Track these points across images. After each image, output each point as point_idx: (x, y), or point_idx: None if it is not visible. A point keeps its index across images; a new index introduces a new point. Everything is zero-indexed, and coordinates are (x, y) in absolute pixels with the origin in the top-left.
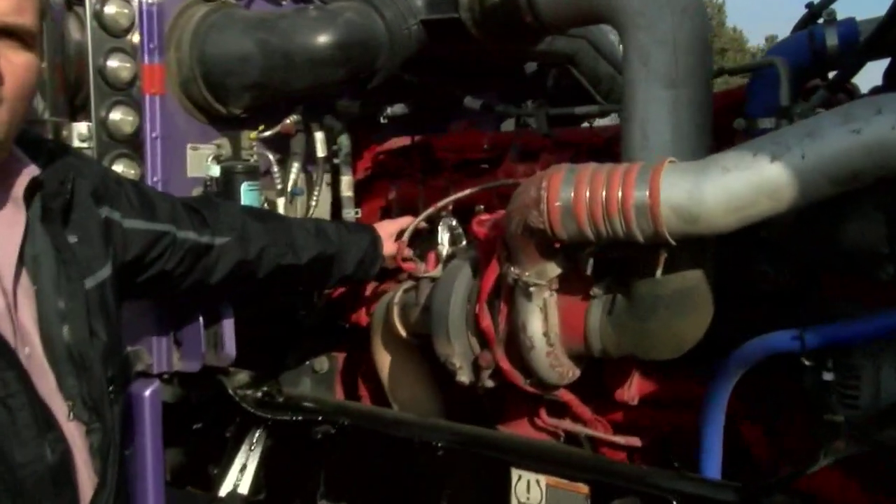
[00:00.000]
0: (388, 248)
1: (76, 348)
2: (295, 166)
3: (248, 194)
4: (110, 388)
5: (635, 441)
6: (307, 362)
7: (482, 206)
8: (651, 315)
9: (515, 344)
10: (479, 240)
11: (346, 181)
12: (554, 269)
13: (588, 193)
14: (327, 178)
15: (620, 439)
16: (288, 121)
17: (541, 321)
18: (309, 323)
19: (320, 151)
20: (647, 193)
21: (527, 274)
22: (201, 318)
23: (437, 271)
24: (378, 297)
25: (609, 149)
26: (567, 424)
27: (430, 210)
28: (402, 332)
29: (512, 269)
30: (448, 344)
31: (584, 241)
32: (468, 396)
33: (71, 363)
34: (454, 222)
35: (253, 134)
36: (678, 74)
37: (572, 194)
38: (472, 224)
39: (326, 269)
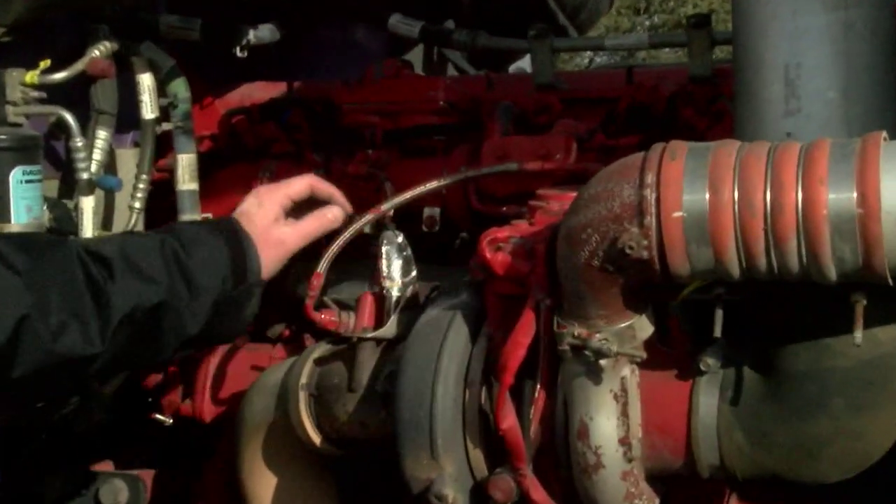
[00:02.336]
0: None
1: None
2: (102, 137)
3: (22, 191)
4: None
5: None
6: (84, 493)
7: (435, 210)
8: (819, 408)
9: (563, 459)
10: (490, 273)
11: (186, 162)
12: (646, 328)
13: (737, 196)
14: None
15: None
16: (96, 52)
17: (615, 418)
18: (85, 426)
19: (147, 109)
20: (855, 196)
21: (599, 336)
22: None
23: (386, 328)
24: (247, 373)
25: (671, 108)
26: None
27: (365, 220)
28: (315, 438)
29: (571, 327)
30: (431, 462)
31: (720, 278)
32: None
33: None
34: (402, 238)
35: (30, 75)
36: None
37: (707, 197)
38: (481, 245)
39: (142, 342)
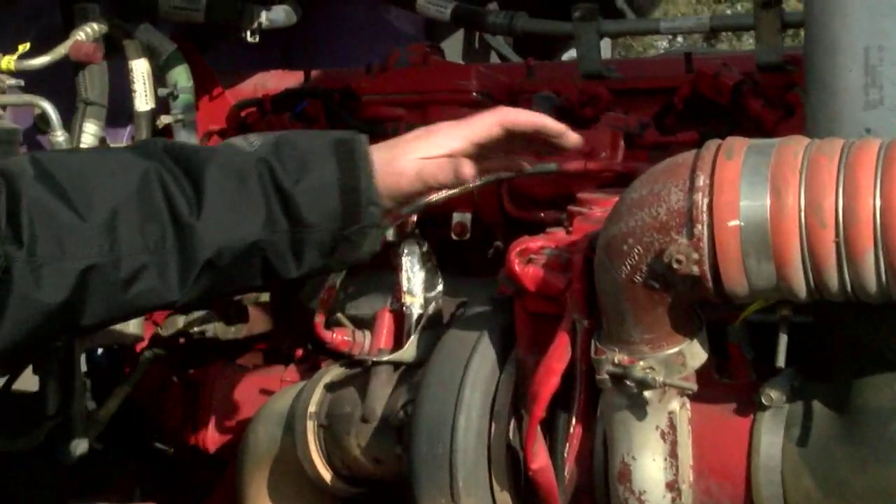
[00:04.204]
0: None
1: None
2: (90, 130)
3: None
4: None
5: None
6: None
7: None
8: None
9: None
10: (520, 289)
11: None
12: (698, 355)
13: (804, 201)
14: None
15: None
16: (81, 34)
17: (662, 459)
18: (73, 456)
19: (142, 100)
20: None
21: (642, 364)
22: None
23: (405, 350)
24: (256, 398)
25: (735, 100)
26: None
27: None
28: (324, 474)
29: (611, 353)
30: None
31: (784, 297)
32: None
33: None
34: (426, 248)
35: (7, 60)
36: None
37: (768, 203)
38: (510, 257)
39: (230, 283)
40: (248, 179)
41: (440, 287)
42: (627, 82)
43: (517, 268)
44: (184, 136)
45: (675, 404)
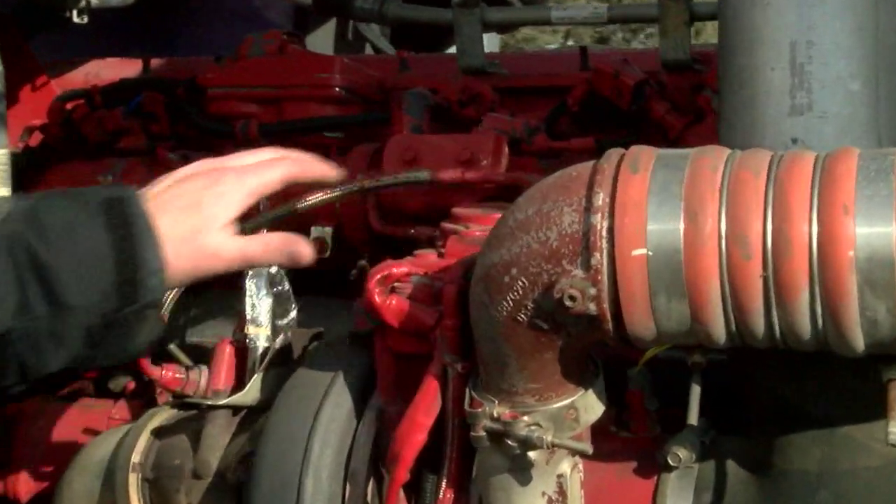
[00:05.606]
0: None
1: None
2: None
3: None
4: None
5: None
6: None
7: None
8: None
9: None
10: (381, 324)
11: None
12: (593, 407)
13: (725, 227)
14: None
15: None
16: None
17: None
18: None
19: None
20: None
21: (527, 420)
22: None
23: (246, 391)
24: (78, 439)
25: (637, 102)
26: None
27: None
28: None
29: (489, 405)
30: None
31: (698, 342)
32: None
33: None
34: (274, 269)
35: None
36: None
37: (682, 228)
38: (369, 286)
39: None
40: None
41: (293, 314)
42: (514, 80)
43: (377, 298)
44: None
45: (565, 466)
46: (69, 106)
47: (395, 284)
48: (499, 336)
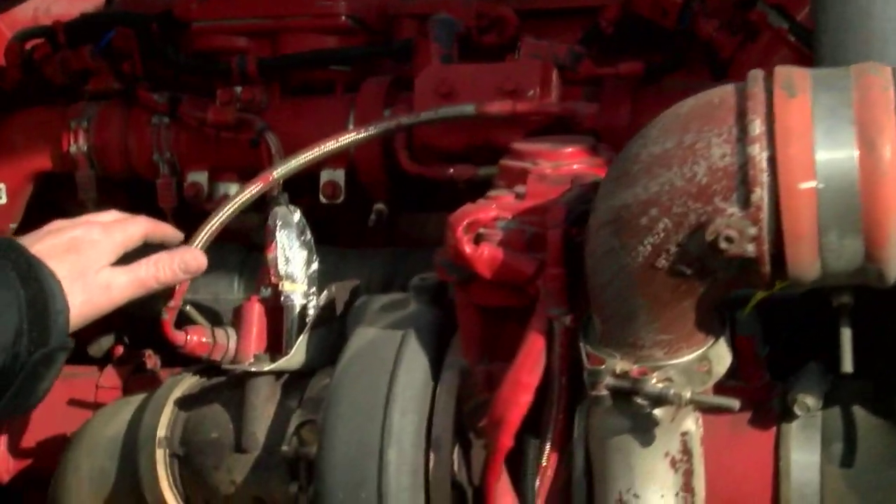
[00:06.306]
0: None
1: None
2: None
3: None
4: None
5: None
6: None
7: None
8: None
9: None
10: (469, 275)
11: None
12: (724, 358)
13: None
14: None
15: None
16: None
17: (674, 492)
18: None
19: None
20: None
21: (658, 375)
22: None
23: (292, 355)
24: (63, 413)
25: (683, 21)
26: None
27: (249, 192)
28: None
29: (612, 361)
30: None
31: (865, 282)
32: None
33: None
34: (298, 217)
35: None
36: None
37: (857, 155)
38: (455, 234)
39: None
40: None
41: (315, 265)
42: (537, 2)
43: (467, 248)
44: None
45: (689, 423)
46: (28, 45)
47: (482, 231)
48: (631, 285)
